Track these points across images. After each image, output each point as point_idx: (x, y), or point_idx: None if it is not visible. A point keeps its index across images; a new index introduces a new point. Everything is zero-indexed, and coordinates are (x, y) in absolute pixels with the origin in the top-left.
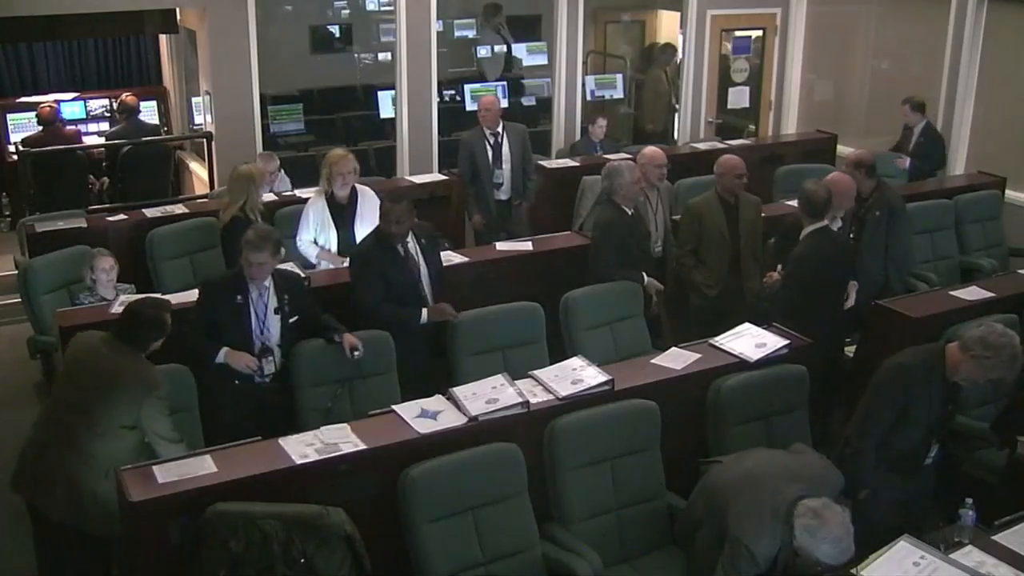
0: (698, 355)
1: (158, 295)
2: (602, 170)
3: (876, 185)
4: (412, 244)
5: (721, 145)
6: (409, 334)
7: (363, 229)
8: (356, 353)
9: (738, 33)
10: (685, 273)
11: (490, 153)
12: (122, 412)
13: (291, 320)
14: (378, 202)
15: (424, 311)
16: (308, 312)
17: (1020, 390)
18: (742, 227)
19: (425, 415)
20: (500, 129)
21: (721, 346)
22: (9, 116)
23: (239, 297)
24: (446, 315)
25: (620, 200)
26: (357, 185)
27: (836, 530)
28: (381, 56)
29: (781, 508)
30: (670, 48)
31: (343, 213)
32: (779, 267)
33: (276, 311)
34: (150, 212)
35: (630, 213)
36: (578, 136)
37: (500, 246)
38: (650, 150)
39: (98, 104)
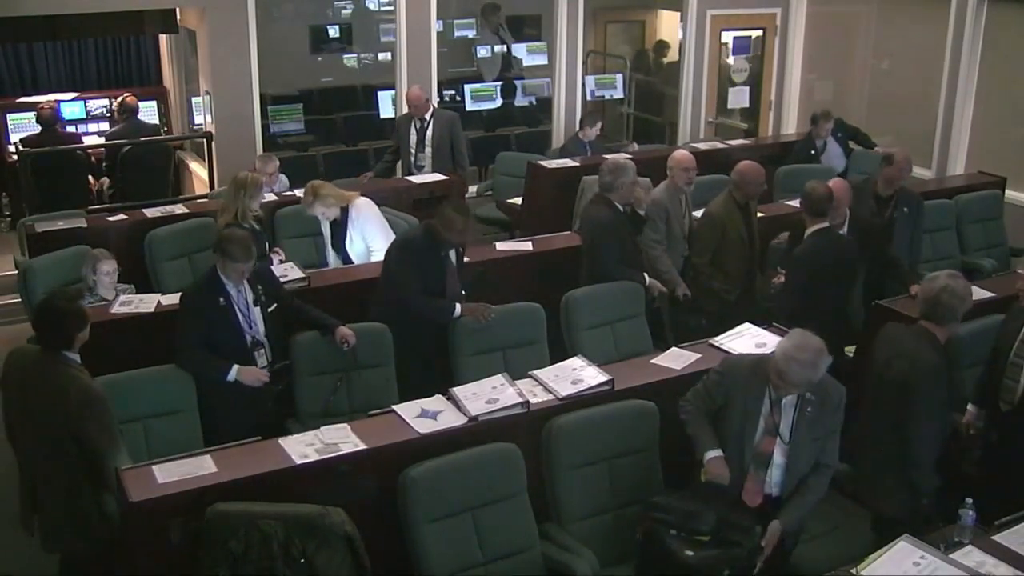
0: (698, 355)
1: (74, 287)
2: (602, 165)
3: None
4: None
5: (721, 145)
6: (423, 332)
7: (353, 248)
8: (346, 344)
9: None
10: (705, 281)
11: (414, 137)
12: (100, 429)
13: (270, 309)
14: (371, 216)
15: (458, 306)
16: (284, 299)
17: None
18: (755, 229)
19: (425, 415)
20: (428, 116)
21: (721, 346)
22: (9, 116)
23: (221, 299)
24: (480, 315)
25: (616, 197)
26: (355, 201)
27: (813, 346)
28: (381, 56)
29: (766, 359)
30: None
31: (336, 231)
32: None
33: (255, 303)
34: (150, 212)
35: (623, 211)
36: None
37: (500, 246)
38: (680, 153)
39: (98, 104)
